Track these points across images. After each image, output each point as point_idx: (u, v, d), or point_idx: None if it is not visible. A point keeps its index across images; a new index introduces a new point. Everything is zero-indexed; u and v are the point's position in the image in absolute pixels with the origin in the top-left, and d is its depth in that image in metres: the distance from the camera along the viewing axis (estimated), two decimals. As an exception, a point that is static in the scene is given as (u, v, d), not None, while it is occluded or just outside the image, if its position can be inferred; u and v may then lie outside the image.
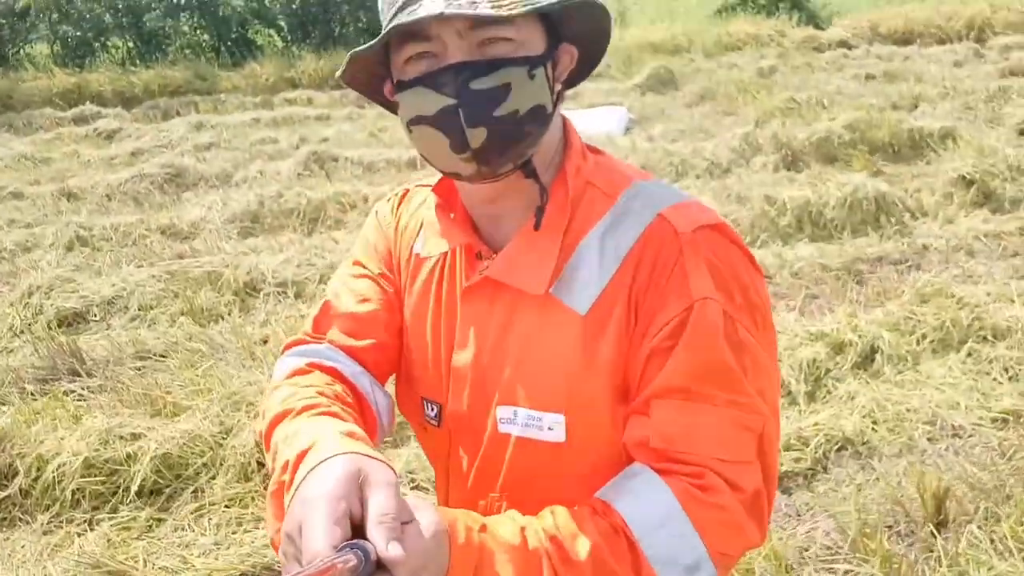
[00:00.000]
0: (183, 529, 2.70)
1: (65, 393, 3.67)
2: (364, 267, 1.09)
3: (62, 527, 2.72)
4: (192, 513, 2.75)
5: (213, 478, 2.87)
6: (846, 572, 2.39)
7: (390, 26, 0.84)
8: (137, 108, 14.32)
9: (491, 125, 0.85)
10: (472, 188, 0.95)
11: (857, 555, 2.42)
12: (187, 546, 2.61)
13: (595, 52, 0.98)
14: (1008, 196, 5.55)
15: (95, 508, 2.77)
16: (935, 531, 2.50)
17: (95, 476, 2.80)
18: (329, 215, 6.63)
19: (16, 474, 2.85)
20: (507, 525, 0.78)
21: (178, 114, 14.06)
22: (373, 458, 0.75)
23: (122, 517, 2.73)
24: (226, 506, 2.77)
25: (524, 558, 0.75)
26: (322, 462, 0.74)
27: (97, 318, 4.56)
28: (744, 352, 0.83)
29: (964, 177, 5.65)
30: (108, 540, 2.63)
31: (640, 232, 0.89)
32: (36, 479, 2.82)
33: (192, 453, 2.91)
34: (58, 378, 3.86)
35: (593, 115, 10.15)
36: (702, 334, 0.82)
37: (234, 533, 2.67)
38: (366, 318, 1.05)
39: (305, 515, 0.69)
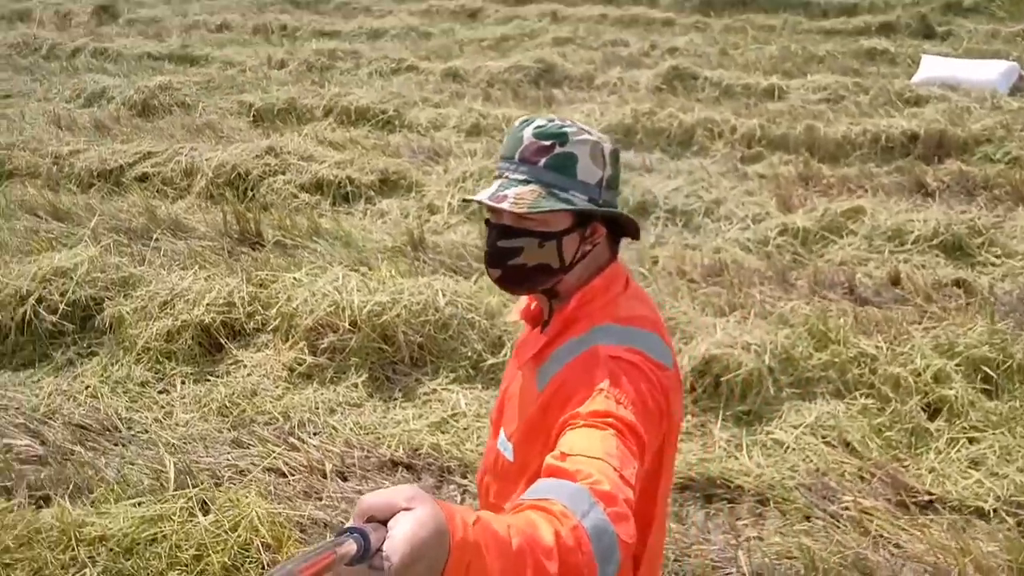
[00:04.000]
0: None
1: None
2: None
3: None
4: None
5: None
6: None
7: (467, 197, 1.45)
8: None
9: (504, 270, 1.32)
10: None
11: None
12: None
13: (626, 228, 1.40)
14: None
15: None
16: None
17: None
18: (696, 140, 6.91)
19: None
20: (498, 522, 0.89)
21: (528, -2, 14.80)
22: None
23: (584, 403, 3.42)
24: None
25: (511, 555, 0.87)
26: None
27: (517, 212, 5.35)
28: (626, 431, 1.14)
29: None
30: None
31: (582, 352, 1.28)
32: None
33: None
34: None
35: (975, 66, 9.20)
36: (601, 405, 1.16)
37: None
38: None
39: None
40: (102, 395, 3.50)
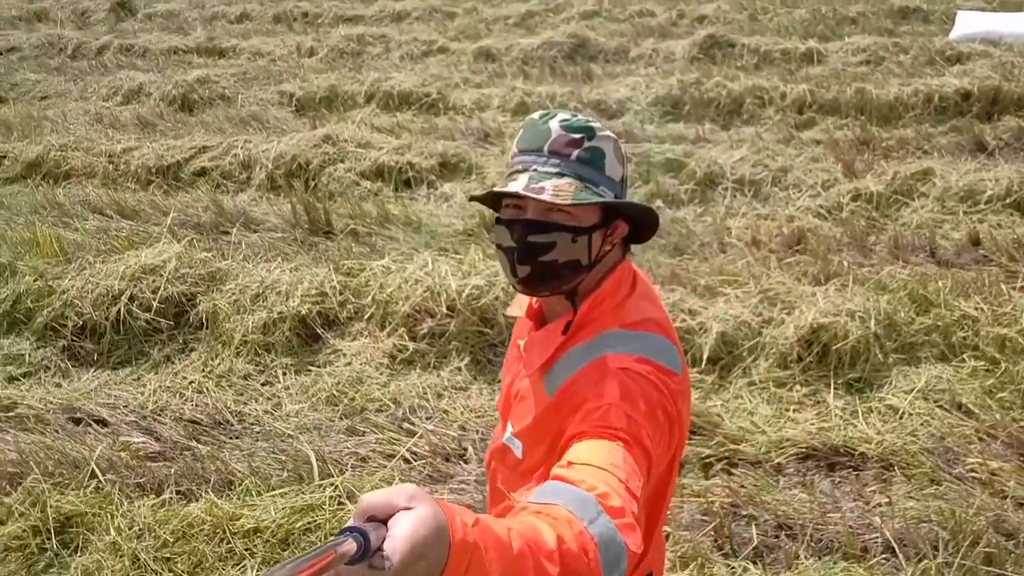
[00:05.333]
0: (740, 398, 3.33)
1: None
2: None
3: (644, 374, 3.47)
4: (747, 386, 3.37)
5: (756, 360, 3.46)
6: None
7: (496, 189, 1.27)
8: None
9: (535, 265, 1.26)
10: None
11: None
12: (751, 413, 3.24)
13: (647, 227, 1.35)
14: None
15: (666, 364, 3.48)
16: None
17: (669, 339, 3.50)
18: (746, 109, 6.84)
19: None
20: (498, 525, 0.89)
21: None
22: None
23: (694, 377, 3.42)
24: (775, 385, 3.35)
25: (510, 557, 0.87)
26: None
27: (582, 189, 5.32)
28: (634, 444, 1.14)
29: None
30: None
31: (592, 359, 1.25)
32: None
33: (741, 336, 3.50)
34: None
35: (1015, 19, 9.06)
36: (610, 419, 1.15)
37: (786, 410, 3.25)
38: None
39: None
40: (208, 390, 3.52)
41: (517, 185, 1.24)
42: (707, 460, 3.06)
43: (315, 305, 3.80)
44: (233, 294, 3.89)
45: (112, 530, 2.47)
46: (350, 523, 0.77)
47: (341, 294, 3.88)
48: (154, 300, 3.85)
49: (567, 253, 1.26)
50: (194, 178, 5.77)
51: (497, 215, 1.33)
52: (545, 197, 1.21)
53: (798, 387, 3.36)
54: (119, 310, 3.84)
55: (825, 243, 4.53)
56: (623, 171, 1.32)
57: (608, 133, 1.30)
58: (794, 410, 3.25)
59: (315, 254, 4.47)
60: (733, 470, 3.01)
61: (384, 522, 0.78)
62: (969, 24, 9.21)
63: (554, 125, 1.27)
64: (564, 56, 8.86)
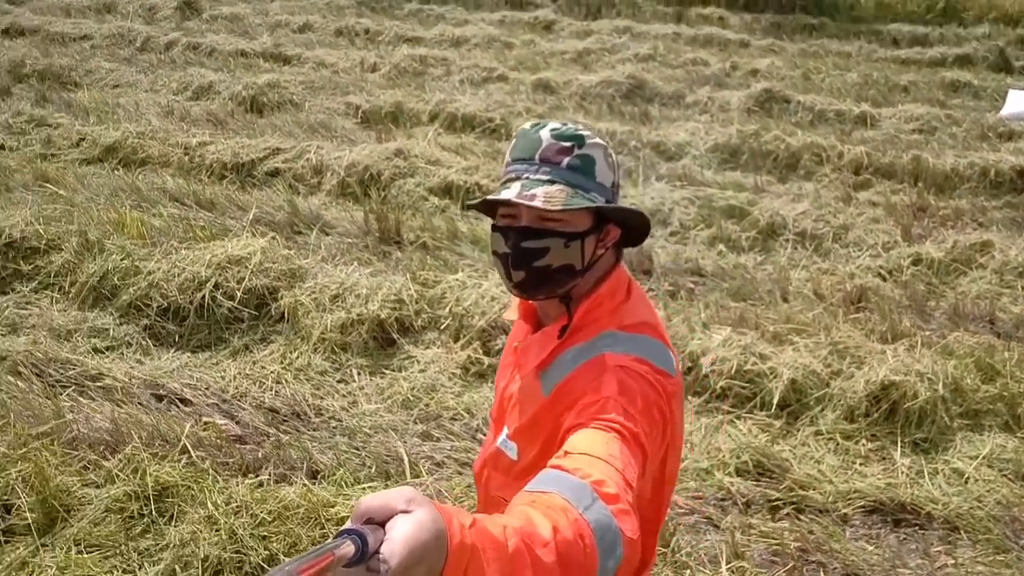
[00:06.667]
0: (807, 445, 3.39)
1: (649, 290, 4.55)
2: None
3: (711, 413, 3.54)
4: (813, 435, 3.43)
5: (823, 410, 3.52)
6: None
7: (490, 197, 1.34)
8: None
9: (528, 270, 1.31)
10: None
11: None
12: (818, 462, 3.30)
13: (639, 231, 1.40)
14: None
15: (733, 406, 3.56)
16: None
17: (739, 380, 3.58)
18: (803, 164, 6.96)
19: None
20: (494, 524, 0.90)
21: (599, 12, 14.95)
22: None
23: (759, 420, 3.49)
24: (842, 437, 3.41)
25: (507, 557, 0.88)
26: None
27: (646, 226, 5.42)
28: (630, 438, 1.17)
29: None
30: (752, 434, 3.40)
31: (590, 358, 1.29)
32: (689, 369, 3.66)
33: (809, 385, 3.57)
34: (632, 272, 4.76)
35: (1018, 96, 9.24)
36: (608, 412, 1.19)
37: (853, 463, 3.31)
38: None
39: None
40: (286, 381, 3.62)
41: (509, 193, 1.29)
42: (775, 503, 3.12)
43: (393, 311, 3.90)
44: (313, 292, 4.00)
45: (209, 504, 2.55)
46: (347, 525, 0.78)
47: (417, 303, 3.98)
48: (238, 290, 3.97)
49: (560, 258, 1.30)
50: (267, 178, 5.92)
51: (493, 223, 1.39)
52: (536, 203, 1.26)
53: (865, 441, 3.42)
54: (204, 296, 3.95)
55: (887, 303, 4.60)
56: (614, 177, 1.36)
57: (599, 141, 1.35)
58: (860, 463, 3.31)
59: (388, 262, 4.58)
60: (800, 515, 3.07)
61: (382, 525, 0.79)
62: (1020, 103, 9.35)
63: (544, 134, 1.32)
64: (622, 96, 9.03)
